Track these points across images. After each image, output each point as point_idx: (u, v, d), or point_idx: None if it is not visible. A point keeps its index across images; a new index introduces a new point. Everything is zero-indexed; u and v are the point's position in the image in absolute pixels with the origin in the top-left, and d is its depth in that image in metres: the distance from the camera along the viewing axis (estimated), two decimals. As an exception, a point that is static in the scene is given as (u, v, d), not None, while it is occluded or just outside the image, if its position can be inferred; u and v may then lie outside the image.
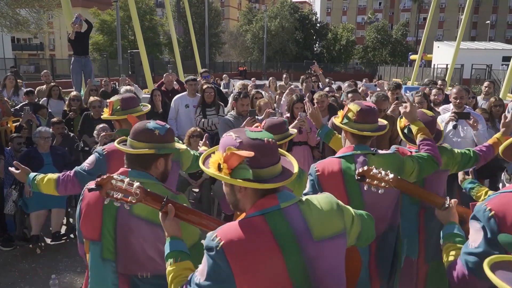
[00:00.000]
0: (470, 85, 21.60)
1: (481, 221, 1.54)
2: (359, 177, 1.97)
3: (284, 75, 11.17)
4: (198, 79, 6.85)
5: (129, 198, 1.57)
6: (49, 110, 7.01)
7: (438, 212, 1.94)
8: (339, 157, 2.34)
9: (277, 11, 52.16)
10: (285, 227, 1.37)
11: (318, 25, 55.48)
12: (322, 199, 1.53)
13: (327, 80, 7.72)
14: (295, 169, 1.48)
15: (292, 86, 5.80)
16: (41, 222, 4.60)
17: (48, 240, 4.69)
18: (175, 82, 8.03)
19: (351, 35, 55.47)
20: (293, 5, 54.49)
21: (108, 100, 2.79)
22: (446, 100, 6.82)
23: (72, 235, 4.78)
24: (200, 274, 1.40)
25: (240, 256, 1.32)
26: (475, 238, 1.56)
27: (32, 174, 2.55)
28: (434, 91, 6.35)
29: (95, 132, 5.68)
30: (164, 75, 7.31)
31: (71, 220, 4.91)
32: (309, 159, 4.92)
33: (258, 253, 1.33)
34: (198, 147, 4.31)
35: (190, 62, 28.41)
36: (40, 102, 7.17)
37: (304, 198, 1.50)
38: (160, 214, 1.63)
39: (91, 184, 1.64)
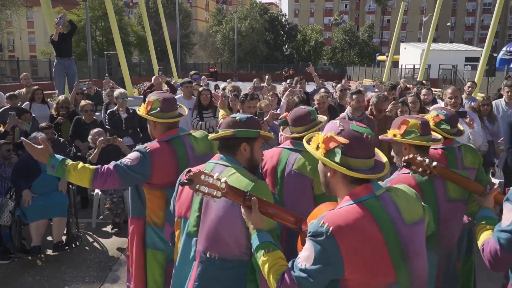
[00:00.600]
0: (438, 85, 22.36)
1: None
2: (405, 164, 2.12)
3: (266, 77, 11.18)
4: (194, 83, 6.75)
5: (215, 192, 1.68)
6: (33, 115, 6.72)
7: (477, 198, 2.14)
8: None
9: (247, 12, 52.22)
10: (383, 211, 1.51)
11: (287, 26, 55.92)
12: (404, 188, 1.68)
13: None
14: (386, 168, 1.60)
15: (292, 88, 5.82)
16: (41, 232, 4.41)
17: (49, 251, 4.50)
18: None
19: (320, 37, 56.32)
20: (263, 6, 54.72)
21: (148, 98, 2.67)
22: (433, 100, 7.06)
23: (73, 245, 4.61)
24: (304, 260, 1.49)
25: (349, 240, 1.44)
26: (508, 217, 1.74)
27: (59, 156, 2.37)
28: (424, 91, 6.55)
29: (89, 137, 5.51)
30: (154, 78, 7.16)
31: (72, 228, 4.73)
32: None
33: (364, 236, 1.45)
34: None
35: (161, 64, 27.93)
36: (22, 106, 6.86)
37: (391, 187, 1.66)
38: (243, 209, 1.73)
39: (183, 179, 1.70)
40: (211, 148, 2.71)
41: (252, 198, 1.72)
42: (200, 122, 5.80)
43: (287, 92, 5.38)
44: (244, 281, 1.85)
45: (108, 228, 5.25)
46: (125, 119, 6.00)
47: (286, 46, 56.72)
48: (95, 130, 5.50)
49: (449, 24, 64.65)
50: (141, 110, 2.64)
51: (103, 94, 8.57)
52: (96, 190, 5.38)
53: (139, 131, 6.12)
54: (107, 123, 6.03)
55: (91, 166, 2.41)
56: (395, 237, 1.50)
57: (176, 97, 6.20)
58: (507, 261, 1.71)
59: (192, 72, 8.47)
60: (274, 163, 2.55)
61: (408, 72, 30.60)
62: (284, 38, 56.09)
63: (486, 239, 1.83)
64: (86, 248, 4.74)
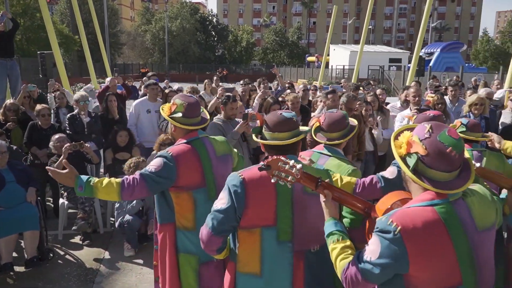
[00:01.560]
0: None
1: None
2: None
3: (215, 77, 11.12)
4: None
5: (289, 178, 1.73)
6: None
7: (509, 194, 2.35)
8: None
9: (177, 12, 51.34)
10: (455, 218, 1.52)
11: (218, 27, 55.89)
12: (480, 190, 1.68)
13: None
14: (468, 182, 1.57)
15: (265, 90, 5.89)
16: (12, 248, 4.04)
17: (18, 268, 4.13)
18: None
19: (251, 38, 57.06)
20: (193, 6, 54.16)
21: (173, 99, 2.60)
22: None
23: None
24: (370, 253, 1.54)
25: (416, 242, 1.47)
26: None
27: (84, 177, 2.34)
28: (379, 91, 6.97)
29: (51, 143, 5.14)
30: (109, 79, 6.82)
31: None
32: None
33: (431, 241, 1.48)
34: None
35: (97, 64, 26.46)
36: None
37: (467, 189, 1.63)
38: (323, 198, 1.80)
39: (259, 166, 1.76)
40: (230, 149, 2.75)
41: (323, 183, 1.78)
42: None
43: (259, 93, 5.45)
44: None
45: (77, 240, 4.95)
46: (88, 123, 5.67)
47: (218, 46, 56.66)
48: (57, 136, 5.14)
49: (370, 27, 68.83)
50: (164, 110, 2.60)
51: (48, 97, 8.00)
52: (62, 200, 5.05)
53: (103, 135, 5.80)
54: (67, 128, 5.65)
55: (116, 180, 2.39)
56: (466, 244, 1.52)
57: (140, 99, 6.10)
58: None
59: (150, 74, 8.18)
60: None
61: (338, 73, 32.12)
62: (215, 39, 55.98)
63: None
64: (59, 261, 4.43)
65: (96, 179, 2.35)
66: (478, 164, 2.28)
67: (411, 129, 1.63)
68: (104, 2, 30.85)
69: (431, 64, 24.62)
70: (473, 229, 1.54)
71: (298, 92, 6.56)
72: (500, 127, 5.68)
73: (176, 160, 2.42)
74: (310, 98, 7.14)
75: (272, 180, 1.73)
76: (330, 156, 2.53)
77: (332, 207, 1.78)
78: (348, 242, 1.71)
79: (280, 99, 6.27)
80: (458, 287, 1.51)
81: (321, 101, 5.60)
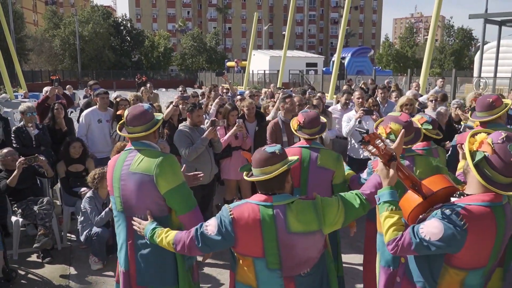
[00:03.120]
0: (288, 88, 24.83)
1: None
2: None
3: (148, 85, 11.02)
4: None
5: (376, 152, 1.98)
6: None
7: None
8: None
9: (89, 16, 48.71)
10: (502, 219, 1.87)
11: (134, 32, 54.10)
12: None
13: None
14: None
15: (221, 96, 6.06)
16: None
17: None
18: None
19: (168, 43, 56.11)
20: (106, 10, 51.85)
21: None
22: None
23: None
24: (431, 234, 1.84)
25: (476, 235, 1.82)
26: None
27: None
28: (319, 95, 7.51)
29: (-1, 158, 4.82)
30: (49, 89, 6.50)
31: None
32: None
33: (485, 234, 1.84)
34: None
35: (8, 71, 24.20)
36: None
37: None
38: (382, 166, 2.02)
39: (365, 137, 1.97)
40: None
41: (396, 158, 2.02)
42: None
43: (216, 100, 5.63)
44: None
45: (33, 258, 4.71)
46: (36, 136, 5.39)
47: (134, 52, 54.85)
48: (5, 150, 4.85)
49: (284, 33, 71.39)
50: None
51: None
52: (14, 218, 4.76)
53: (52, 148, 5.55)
54: (14, 141, 5.32)
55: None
56: (501, 239, 1.88)
57: (90, 109, 5.93)
58: None
59: (91, 82, 7.86)
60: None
61: (260, 77, 33.03)
62: (131, 44, 54.12)
63: None
64: (23, 281, 4.20)
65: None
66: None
67: (488, 132, 1.90)
68: (9, 3, 28.43)
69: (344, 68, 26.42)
70: (509, 229, 1.92)
71: (245, 97, 6.84)
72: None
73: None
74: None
75: (365, 153, 2.05)
76: (320, 148, 2.90)
77: (392, 177, 2.01)
78: (401, 214, 1.99)
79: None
80: (483, 268, 1.91)
81: (272, 106, 5.93)
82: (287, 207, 2.05)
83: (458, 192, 2.04)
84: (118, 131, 2.63)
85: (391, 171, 2.02)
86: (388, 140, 2.07)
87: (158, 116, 2.63)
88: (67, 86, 13.40)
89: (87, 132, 5.72)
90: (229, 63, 49.96)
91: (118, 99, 5.77)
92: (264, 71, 32.64)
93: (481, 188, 1.87)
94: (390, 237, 1.94)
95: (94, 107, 5.87)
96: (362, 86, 13.65)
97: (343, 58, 33.02)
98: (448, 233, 1.83)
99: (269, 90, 9.87)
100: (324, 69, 33.58)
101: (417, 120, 3.22)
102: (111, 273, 4.37)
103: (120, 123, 2.65)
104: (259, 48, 59.49)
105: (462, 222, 1.82)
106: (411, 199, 2.07)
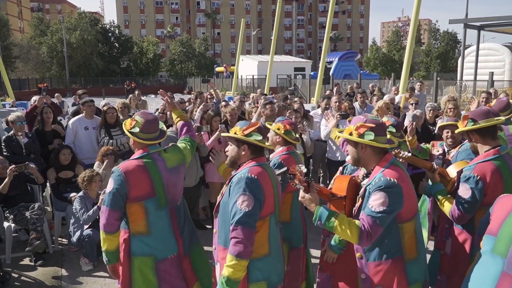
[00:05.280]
0: (276, 93, 25.15)
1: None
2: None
3: (136, 92, 11.19)
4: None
5: (300, 184, 2.29)
6: None
7: (428, 174, 2.99)
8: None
9: (76, 23, 48.66)
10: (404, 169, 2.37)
11: (122, 38, 54.12)
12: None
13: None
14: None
15: (205, 103, 6.29)
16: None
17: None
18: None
19: (157, 49, 56.21)
20: (93, 17, 51.85)
21: (134, 116, 2.96)
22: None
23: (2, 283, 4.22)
24: (380, 205, 2.19)
25: (405, 188, 2.26)
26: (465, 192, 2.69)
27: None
28: (298, 99, 7.80)
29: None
30: (37, 98, 6.68)
31: None
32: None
33: (409, 186, 2.32)
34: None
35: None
36: None
37: None
38: (303, 193, 2.31)
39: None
40: (183, 159, 3.12)
41: (312, 182, 2.32)
42: (111, 141, 5.81)
43: (201, 106, 5.87)
44: None
45: (26, 261, 4.89)
46: (26, 144, 5.57)
47: (123, 58, 54.84)
48: (-4, 158, 5.03)
49: (272, 37, 71.73)
50: (126, 125, 2.94)
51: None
52: (6, 223, 4.93)
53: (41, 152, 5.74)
54: (4, 150, 5.50)
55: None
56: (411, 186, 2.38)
57: (77, 117, 6.13)
58: (467, 218, 2.71)
59: (80, 92, 8.05)
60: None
61: (248, 82, 33.32)
62: (119, 51, 54.13)
63: (451, 206, 2.77)
64: (16, 283, 4.39)
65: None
66: (409, 154, 2.96)
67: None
68: (-5, 13, 28.34)
69: (331, 72, 26.88)
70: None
71: (234, 102, 7.10)
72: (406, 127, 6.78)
73: (125, 175, 2.76)
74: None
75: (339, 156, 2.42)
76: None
77: (315, 199, 2.30)
78: (344, 215, 2.30)
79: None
80: (417, 211, 2.43)
81: (255, 112, 6.19)
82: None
83: (361, 177, 2.52)
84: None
85: (313, 195, 2.32)
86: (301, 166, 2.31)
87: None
88: (56, 95, 13.53)
89: (75, 140, 5.91)
90: (218, 69, 50.23)
91: (105, 108, 5.97)
92: (253, 76, 32.95)
93: (376, 156, 2.37)
94: (357, 232, 2.20)
95: (81, 115, 6.07)
96: (349, 91, 14.01)
97: (331, 62, 33.51)
98: (390, 195, 2.19)
99: (256, 95, 10.14)
100: (312, 73, 34.00)
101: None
102: (102, 273, 4.57)
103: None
104: (248, 53, 59.84)
105: (392, 181, 2.21)
106: (338, 205, 2.43)
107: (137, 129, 2.87)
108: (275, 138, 3.42)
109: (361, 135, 2.29)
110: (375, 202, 2.21)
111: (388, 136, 3.46)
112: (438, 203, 2.90)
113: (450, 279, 2.90)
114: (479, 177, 2.63)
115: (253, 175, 2.45)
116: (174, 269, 2.94)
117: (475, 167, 2.69)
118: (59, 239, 5.38)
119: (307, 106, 9.23)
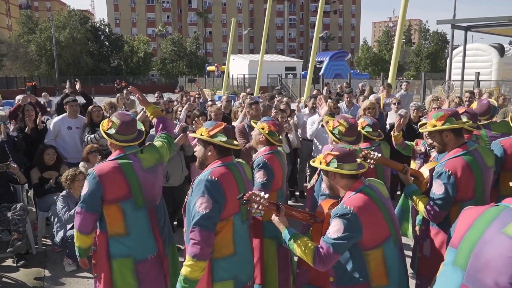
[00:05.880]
0: (267, 92, 25.18)
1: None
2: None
3: (125, 91, 11.14)
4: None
5: (260, 207, 2.31)
6: None
7: (401, 175, 3.04)
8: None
9: (65, 21, 48.16)
10: (378, 199, 2.29)
11: (112, 37, 53.70)
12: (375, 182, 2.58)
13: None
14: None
15: (190, 102, 6.28)
16: None
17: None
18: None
19: (148, 48, 55.89)
20: (83, 15, 51.38)
21: (111, 116, 2.95)
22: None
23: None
24: (335, 232, 2.17)
25: (365, 217, 2.17)
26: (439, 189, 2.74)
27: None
28: (285, 99, 7.81)
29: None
30: (21, 98, 6.62)
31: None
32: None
33: (373, 214, 2.23)
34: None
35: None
36: None
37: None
38: (273, 216, 2.40)
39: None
40: (160, 158, 3.09)
41: (282, 206, 2.37)
42: (92, 135, 5.72)
43: (186, 106, 5.86)
44: None
45: (8, 262, 4.84)
46: (16, 137, 5.52)
47: (113, 57, 54.43)
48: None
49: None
50: (103, 126, 2.93)
51: None
52: (-12, 224, 4.88)
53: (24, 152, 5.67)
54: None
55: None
56: (388, 212, 2.31)
57: (60, 116, 6.08)
58: (442, 215, 2.75)
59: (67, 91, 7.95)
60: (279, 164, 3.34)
61: (239, 82, 33.32)
62: (110, 49, 53.71)
63: (426, 205, 2.81)
64: (-3, 285, 4.34)
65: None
66: (379, 155, 2.99)
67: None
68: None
69: (322, 72, 26.98)
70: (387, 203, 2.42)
71: (222, 102, 7.10)
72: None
73: (99, 178, 2.74)
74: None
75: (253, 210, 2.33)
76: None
77: (283, 221, 2.37)
78: (306, 237, 2.35)
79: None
80: (389, 237, 2.31)
81: (241, 111, 6.19)
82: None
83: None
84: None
85: (282, 218, 2.37)
86: (262, 194, 2.31)
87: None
88: (43, 94, 13.36)
89: (59, 139, 5.86)
90: (209, 68, 50.12)
91: (90, 107, 5.94)
92: (244, 75, 32.95)
93: (345, 183, 2.35)
94: (311, 256, 2.23)
95: (64, 114, 6.02)
96: (338, 90, 14.06)
97: (321, 62, 33.63)
98: (345, 222, 2.16)
99: (244, 95, 10.15)
100: (302, 72, 34.10)
101: (360, 123, 3.58)
102: (85, 274, 4.54)
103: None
104: (240, 53, 59.80)
105: (347, 208, 2.18)
106: (316, 229, 2.50)
107: (113, 131, 2.86)
108: (259, 137, 3.43)
109: (328, 164, 2.32)
110: (332, 229, 2.21)
111: (366, 134, 3.60)
112: (413, 203, 2.94)
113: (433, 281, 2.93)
114: (450, 172, 2.70)
115: (213, 177, 2.47)
116: (155, 270, 2.93)
117: (446, 163, 2.74)
118: (43, 239, 5.33)
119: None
